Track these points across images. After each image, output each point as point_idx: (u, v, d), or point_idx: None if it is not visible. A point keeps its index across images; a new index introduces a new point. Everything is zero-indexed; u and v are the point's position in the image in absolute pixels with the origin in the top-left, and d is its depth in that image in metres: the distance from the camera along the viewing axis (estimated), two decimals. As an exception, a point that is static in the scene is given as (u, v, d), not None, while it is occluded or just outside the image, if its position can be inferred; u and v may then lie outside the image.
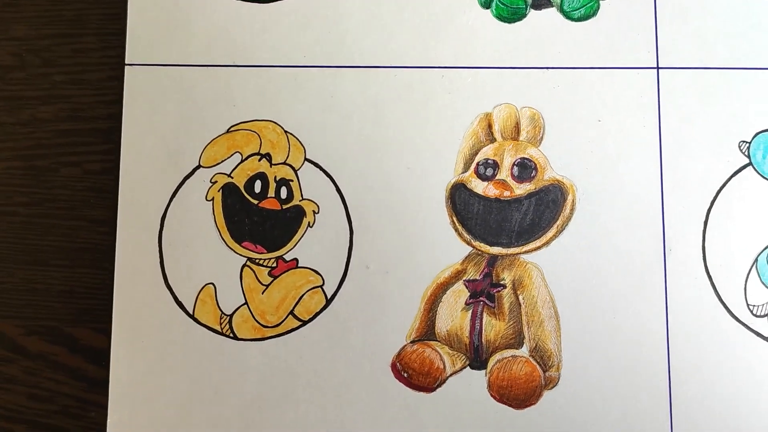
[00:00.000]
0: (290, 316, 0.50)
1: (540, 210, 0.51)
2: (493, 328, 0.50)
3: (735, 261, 0.50)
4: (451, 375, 0.49)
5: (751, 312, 0.50)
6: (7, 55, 0.54)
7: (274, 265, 0.50)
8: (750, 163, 0.51)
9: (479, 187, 0.51)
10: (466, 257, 0.50)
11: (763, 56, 0.52)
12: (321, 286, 0.50)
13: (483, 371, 0.49)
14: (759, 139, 0.51)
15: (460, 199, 0.51)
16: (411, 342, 0.50)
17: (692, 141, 0.51)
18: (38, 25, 0.54)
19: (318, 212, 0.51)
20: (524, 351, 0.50)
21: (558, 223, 0.51)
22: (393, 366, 0.49)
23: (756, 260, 0.50)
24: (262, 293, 0.50)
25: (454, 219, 0.51)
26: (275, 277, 0.50)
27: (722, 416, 0.49)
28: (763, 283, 0.50)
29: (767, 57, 0.52)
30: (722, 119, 0.51)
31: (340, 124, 0.52)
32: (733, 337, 0.49)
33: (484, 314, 0.50)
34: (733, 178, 0.51)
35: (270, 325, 0.50)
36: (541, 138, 0.52)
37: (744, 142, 0.51)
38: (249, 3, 0.53)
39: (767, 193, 0.51)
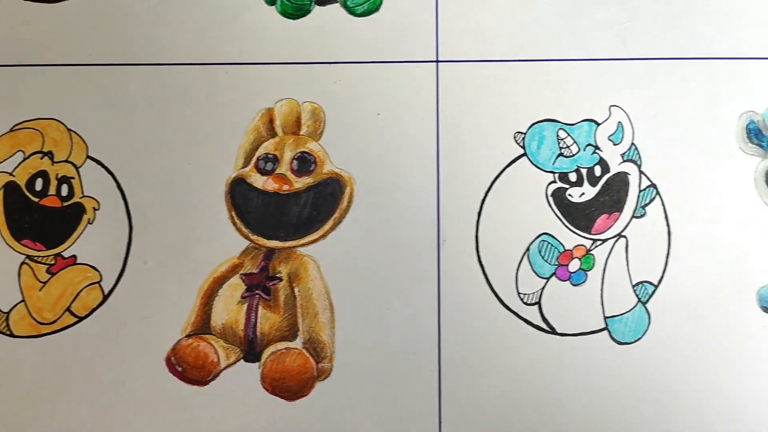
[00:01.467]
0: (67, 312, 0.50)
1: (318, 203, 0.51)
2: (267, 320, 0.50)
3: (507, 250, 0.51)
4: (225, 368, 0.50)
5: (522, 300, 0.50)
6: None
7: (53, 262, 0.51)
8: (525, 154, 0.52)
9: (259, 181, 0.51)
10: (243, 251, 0.51)
11: (540, 48, 0.52)
12: (98, 282, 0.50)
13: (257, 364, 0.50)
14: (534, 130, 0.52)
15: (239, 194, 0.51)
16: (186, 336, 0.50)
17: (469, 133, 0.52)
18: None
19: (98, 209, 0.51)
20: (298, 343, 0.50)
21: (335, 215, 0.51)
22: (167, 360, 0.50)
23: (528, 249, 0.51)
24: (40, 290, 0.50)
25: (233, 213, 0.51)
26: (53, 274, 0.50)
27: (491, 404, 0.49)
28: (534, 271, 0.51)
29: (544, 49, 0.52)
30: (499, 111, 0.52)
31: (124, 122, 0.52)
32: (503, 326, 0.50)
33: (260, 307, 0.50)
34: (508, 169, 0.51)
35: (46, 322, 0.50)
36: (322, 132, 0.52)
37: (519, 133, 0.52)
38: (35, 3, 0.53)
39: (540, 183, 0.51)
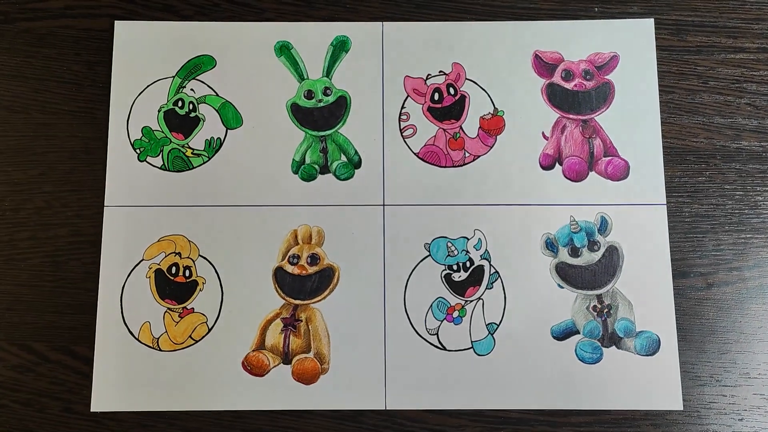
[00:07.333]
0: (189, 338, 0.96)
1: None
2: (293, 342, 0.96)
3: (417, 305, 0.97)
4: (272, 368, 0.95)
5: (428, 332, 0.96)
6: None
7: (181, 311, 0.96)
8: (428, 255, 0.98)
9: None
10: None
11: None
12: (206, 322, 0.96)
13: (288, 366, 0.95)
14: (438, 242, 0.98)
15: (279, 276, 0.97)
16: (252, 350, 0.95)
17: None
18: None
19: (205, 283, 0.97)
20: (310, 354, 0.96)
21: None
22: (242, 363, 0.95)
23: (430, 306, 0.97)
24: (175, 326, 0.96)
25: (276, 286, 0.97)
26: (182, 318, 0.96)
27: None
28: (434, 317, 0.96)
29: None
30: (417, 232, 0.99)
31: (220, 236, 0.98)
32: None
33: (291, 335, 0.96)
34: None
35: (178, 344, 0.95)
36: None
37: (427, 243, 0.98)
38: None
39: (438, 271, 0.98)
